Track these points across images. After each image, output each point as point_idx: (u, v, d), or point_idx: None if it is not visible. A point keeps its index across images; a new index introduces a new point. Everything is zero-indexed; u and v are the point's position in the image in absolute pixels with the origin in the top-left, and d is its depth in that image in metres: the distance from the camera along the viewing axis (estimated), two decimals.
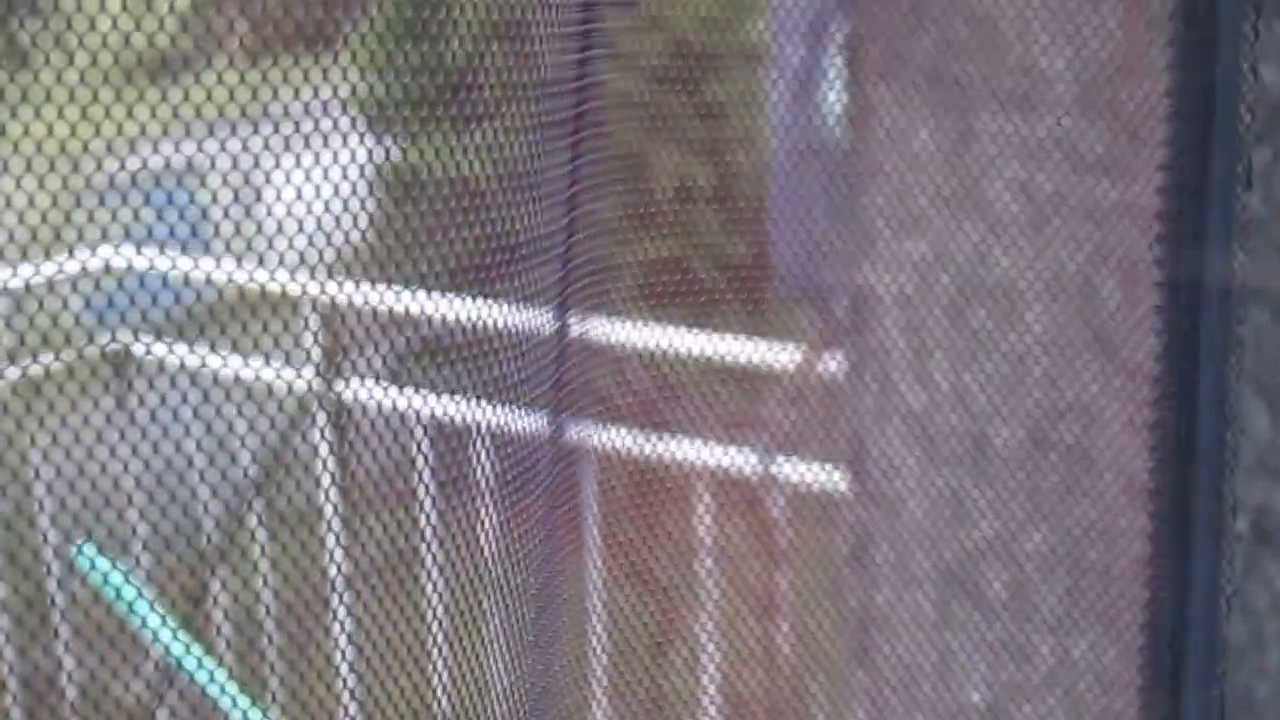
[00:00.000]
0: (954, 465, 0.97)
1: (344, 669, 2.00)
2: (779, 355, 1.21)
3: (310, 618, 2.33)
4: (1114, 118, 0.93)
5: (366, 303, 1.54)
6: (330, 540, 2.24)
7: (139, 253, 3.18)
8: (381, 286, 1.40)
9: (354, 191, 1.04)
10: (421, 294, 1.44)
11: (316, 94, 0.99)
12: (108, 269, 3.16)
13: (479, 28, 0.95)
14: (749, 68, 0.93)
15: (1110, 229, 0.96)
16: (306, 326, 1.78)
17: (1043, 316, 0.93)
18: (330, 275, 1.36)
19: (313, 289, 1.65)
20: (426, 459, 1.84)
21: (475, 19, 0.96)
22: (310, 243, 1.10)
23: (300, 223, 1.06)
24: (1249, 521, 0.93)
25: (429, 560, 1.90)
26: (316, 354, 1.75)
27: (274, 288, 1.76)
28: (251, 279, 1.87)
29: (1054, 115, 0.95)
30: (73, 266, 3.17)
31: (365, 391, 1.70)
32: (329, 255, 1.15)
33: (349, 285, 1.41)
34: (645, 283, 1.07)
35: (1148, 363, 0.93)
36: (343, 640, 2.15)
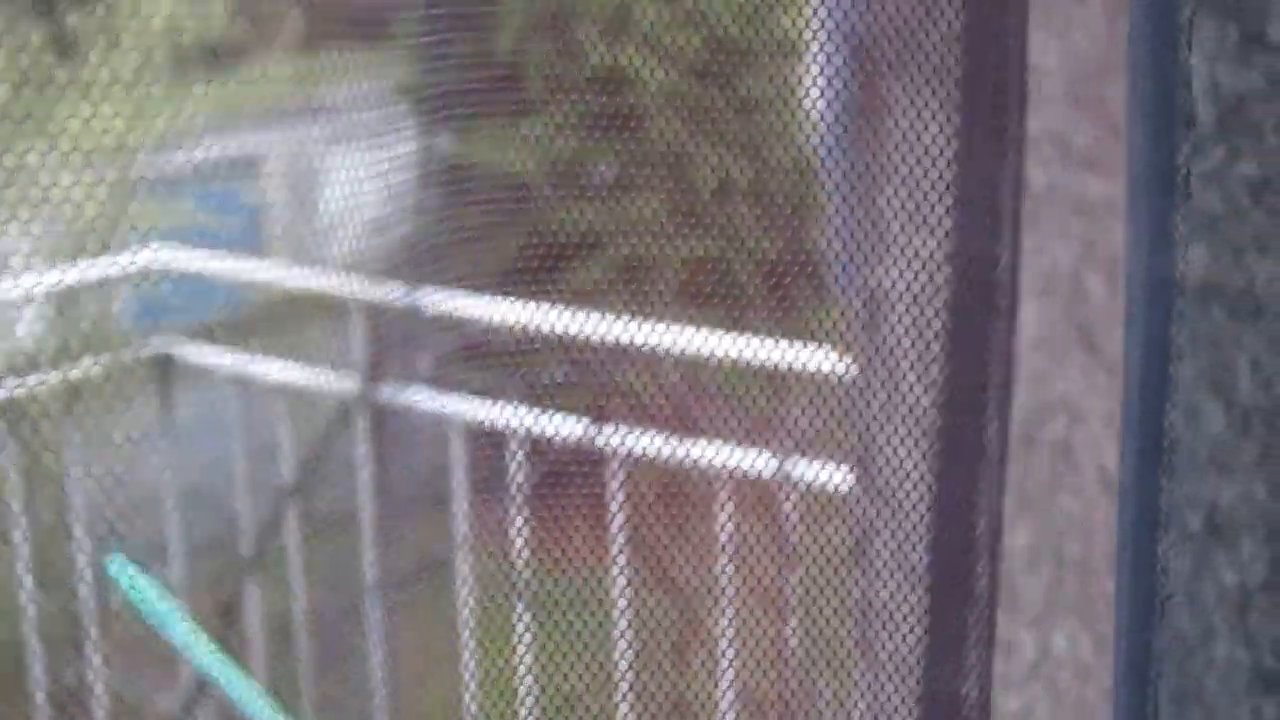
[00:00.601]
0: (953, 467, 1.00)
1: (377, 674, 2.02)
2: (810, 358, 1.24)
3: (345, 623, 2.36)
4: (1101, 114, 0.96)
5: (409, 306, 1.56)
6: (366, 545, 2.27)
7: (183, 253, 3.22)
8: (426, 289, 1.43)
9: (405, 185, 1.07)
10: (465, 297, 1.46)
11: (372, 88, 1.01)
12: (151, 275, 3.20)
13: (524, 20, 0.97)
14: (786, 62, 0.96)
15: (1098, 224, 1.00)
16: (350, 329, 1.81)
17: (1034, 313, 0.96)
18: (378, 275, 1.39)
19: (357, 291, 1.68)
20: (463, 462, 1.86)
21: (520, 11, 0.98)
22: (361, 239, 1.13)
23: (353, 217, 1.08)
24: (1202, 517, 0.96)
25: (461, 565, 1.92)
26: (360, 356, 1.78)
27: (319, 288, 1.79)
28: (291, 282, 1.90)
29: (1046, 111, 0.98)
30: (117, 268, 3.21)
31: (406, 395, 1.73)
32: (379, 251, 1.18)
33: (392, 287, 1.43)
34: (685, 282, 1.10)
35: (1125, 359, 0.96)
36: (376, 645, 2.18)
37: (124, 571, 2.83)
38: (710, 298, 1.19)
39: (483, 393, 1.69)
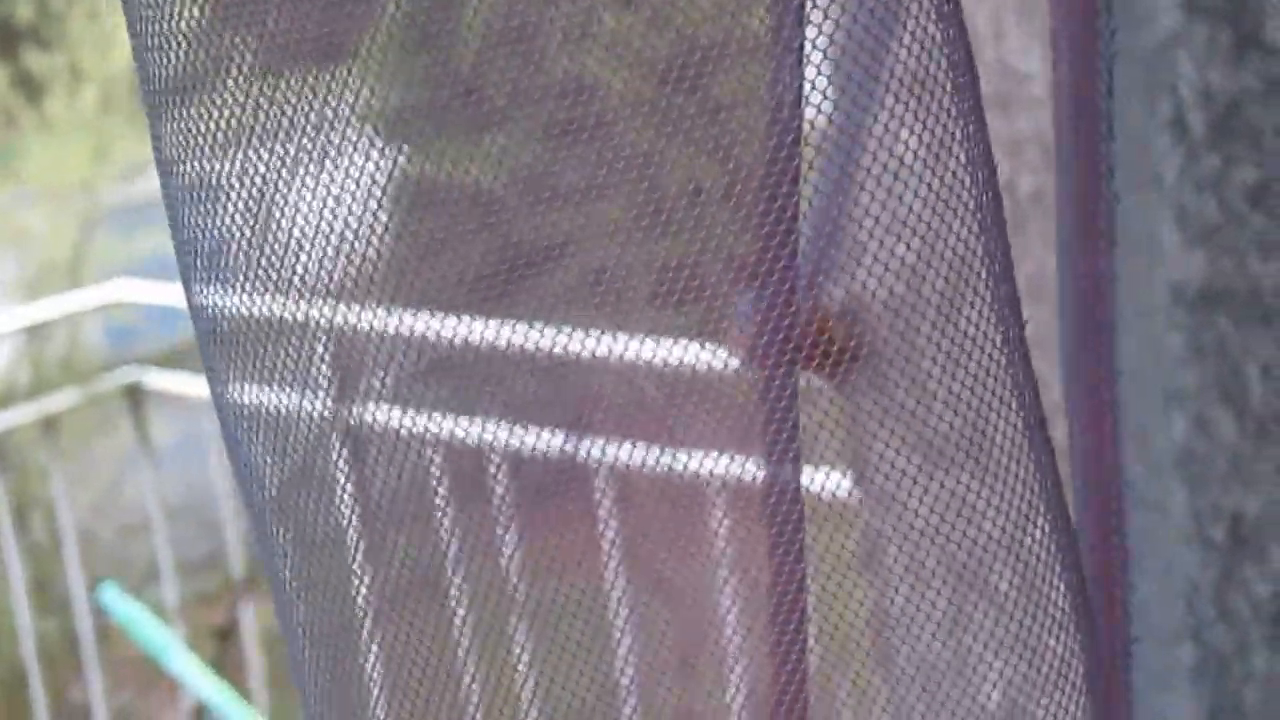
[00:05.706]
0: (954, 467, 0.96)
1: (377, 695, 1.96)
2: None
3: (341, 642, 2.31)
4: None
5: (376, 324, 1.50)
6: (354, 566, 2.22)
7: (147, 283, 3.17)
8: (393, 307, 1.37)
9: (368, 206, 1.02)
10: (433, 313, 1.41)
11: (333, 108, 0.97)
12: (117, 307, 3.15)
13: (486, 32, 0.93)
14: (754, 61, 0.91)
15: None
16: (318, 351, 1.77)
17: (1030, 316, 0.93)
18: (343, 297, 1.34)
19: (324, 312, 1.63)
20: (441, 480, 1.81)
21: (482, 23, 0.94)
22: (328, 261, 1.08)
23: (317, 241, 1.04)
24: (1225, 528, 0.93)
25: (452, 583, 1.88)
26: (329, 379, 1.73)
27: (285, 313, 1.74)
28: (256, 306, 1.84)
29: (1031, 114, 0.96)
30: (85, 301, 3.16)
31: (379, 415, 1.66)
32: (348, 272, 1.13)
33: (359, 308, 1.37)
34: (657, 287, 1.06)
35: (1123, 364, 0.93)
36: (373, 667, 2.13)
37: (116, 601, 2.79)
38: (683, 302, 1.14)
39: (458, 409, 1.63)
